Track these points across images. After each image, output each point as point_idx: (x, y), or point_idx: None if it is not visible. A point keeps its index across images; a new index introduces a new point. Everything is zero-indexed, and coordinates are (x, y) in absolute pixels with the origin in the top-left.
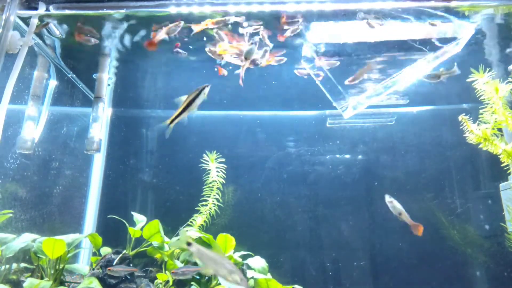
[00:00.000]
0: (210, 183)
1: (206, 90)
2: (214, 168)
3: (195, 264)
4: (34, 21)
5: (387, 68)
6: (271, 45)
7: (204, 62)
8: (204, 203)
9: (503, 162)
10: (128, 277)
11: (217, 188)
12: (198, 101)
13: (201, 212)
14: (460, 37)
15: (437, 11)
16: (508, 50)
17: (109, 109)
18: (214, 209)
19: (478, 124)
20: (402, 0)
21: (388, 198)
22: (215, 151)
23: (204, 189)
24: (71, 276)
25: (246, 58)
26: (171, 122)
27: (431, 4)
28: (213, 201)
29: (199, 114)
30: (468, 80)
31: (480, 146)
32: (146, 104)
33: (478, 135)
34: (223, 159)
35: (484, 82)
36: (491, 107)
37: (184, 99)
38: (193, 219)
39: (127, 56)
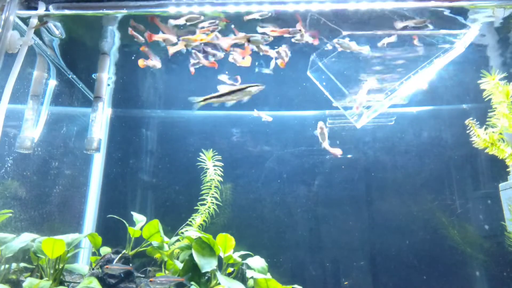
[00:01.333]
0: (208, 181)
1: (253, 89)
2: (211, 166)
3: (195, 265)
4: (34, 21)
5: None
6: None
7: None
8: (203, 202)
9: (508, 167)
10: (122, 275)
11: (216, 187)
12: (238, 95)
13: (199, 212)
14: (464, 37)
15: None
16: None
17: (109, 109)
18: (214, 209)
19: (486, 129)
20: (403, 0)
21: (321, 124)
22: (211, 149)
23: (203, 189)
24: (70, 275)
25: (248, 40)
26: (204, 100)
27: (431, 4)
28: (211, 199)
29: (199, 114)
30: (479, 82)
31: (487, 150)
32: (145, 104)
33: (485, 140)
34: (222, 159)
35: (493, 84)
36: (500, 111)
37: (230, 87)
38: (192, 219)
39: (127, 56)
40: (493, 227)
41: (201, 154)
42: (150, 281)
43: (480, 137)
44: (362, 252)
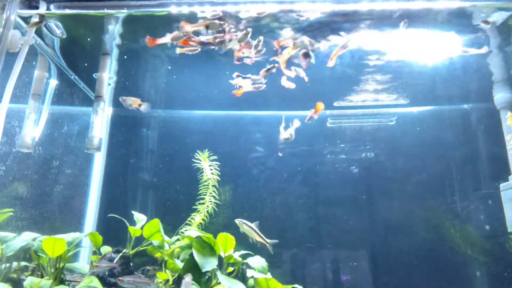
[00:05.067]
0: (205, 180)
1: None
2: (207, 166)
3: (196, 264)
4: (35, 20)
5: None
6: None
7: (206, 61)
8: (201, 201)
9: (508, 167)
10: (118, 273)
11: (214, 186)
12: None
13: (198, 211)
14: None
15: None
16: None
17: (110, 108)
18: (213, 208)
19: None
20: (404, 1)
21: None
22: (207, 150)
23: (201, 188)
24: (71, 274)
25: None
26: None
27: (432, 4)
28: (209, 198)
29: (199, 113)
30: None
31: None
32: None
33: None
34: (222, 159)
35: None
36: None
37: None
38: (192, 218)
39: (128, 55)
40: (494, 228)
41: (200, 154)
42: (119, 279)
43: None
44: (363, 252)
